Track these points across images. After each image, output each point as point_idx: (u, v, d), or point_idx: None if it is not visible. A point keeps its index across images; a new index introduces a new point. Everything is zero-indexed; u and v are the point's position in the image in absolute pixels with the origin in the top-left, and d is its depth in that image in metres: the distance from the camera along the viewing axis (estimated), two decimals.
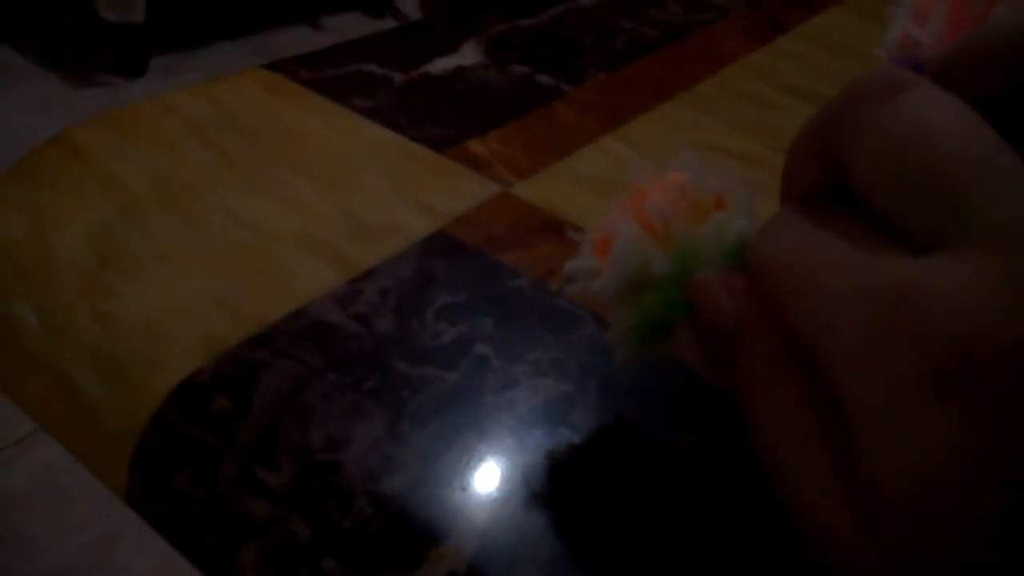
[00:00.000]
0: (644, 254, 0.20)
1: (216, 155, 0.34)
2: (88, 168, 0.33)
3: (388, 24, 2.56)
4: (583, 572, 0.20)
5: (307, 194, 0.33)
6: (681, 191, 0.20)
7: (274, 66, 0.41)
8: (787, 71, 0.46)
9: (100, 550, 1.06)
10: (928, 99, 0.15)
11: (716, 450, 0.24)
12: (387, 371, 0.25)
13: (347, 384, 0.25)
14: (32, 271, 0.29)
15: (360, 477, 0.22)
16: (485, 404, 0.25)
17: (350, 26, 2.50)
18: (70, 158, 0.34)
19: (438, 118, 0.38)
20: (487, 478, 0.22)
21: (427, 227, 0.32)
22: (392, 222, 0.32)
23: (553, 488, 0.22)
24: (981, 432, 0.13)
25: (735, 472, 0.23)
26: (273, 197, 0.32)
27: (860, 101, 0.16)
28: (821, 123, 0.17)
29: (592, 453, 0.23)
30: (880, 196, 0.15)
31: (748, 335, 0.17)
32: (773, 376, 0.17)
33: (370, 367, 0.25)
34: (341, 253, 0.30)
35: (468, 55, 0.44)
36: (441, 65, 0.43)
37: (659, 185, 0.21)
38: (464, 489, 0.22)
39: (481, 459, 0.23)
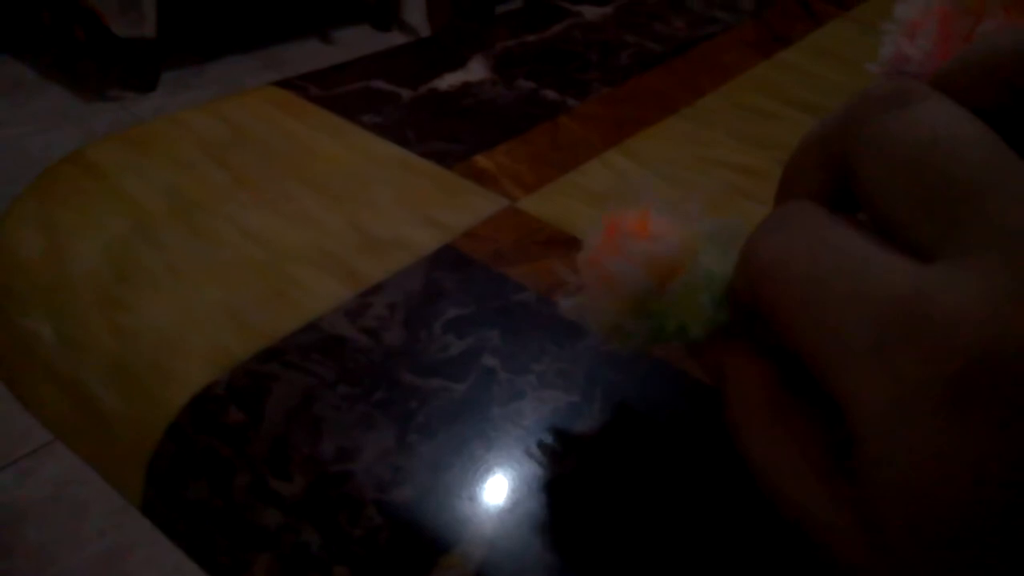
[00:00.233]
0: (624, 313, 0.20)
1: (228, 172, 0.35)
2: (103, 185, 0.34)
3: (396, 37, 2.58)
4: None
5: (317, 209, 0.33)
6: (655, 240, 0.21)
7: (285, 83, 0.42)
8: (790, 84, 0.46)
9: (111, 562, 1.07)
10: (942, 109, 0.15)
11: (721, 461, 0.24)
12: (396, 383, 0.26)
13: (357, 396, 0.25)
14: (49, 285, 0.30)
15: (370, 487, 0.23)
16: (492, 415, 0.25)
17: (359, 39, 2.52)
18: (85, 175, 0.35)
19: (445, 133, 0.39)
20: (494, 487, 0.23)
21: (435, 241, 0.32)
22: (400, 237, 0.32)
23: (561, 496, 0.23)
24: (996, 442, 0.13)
25: (740, 483, 0.23)
26: (284, 213, 0.33)
27: (875, 109, 0.16)
28: (830, 131, 0.17)
29: (599, 462, 0.24)
30: (892, 202, 0.15)
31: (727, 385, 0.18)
32: (754, 401, 0.18)
33: (379, 379, 0.26)
34: (350, 267, 0.31)
35: (475, 71, 0.45)
36: (448, 81, 0.44)
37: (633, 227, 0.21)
38: (472, 498, 0.23)
39: (488, 469, 0.23)
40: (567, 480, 0.23)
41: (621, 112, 0.42)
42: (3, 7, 2.24)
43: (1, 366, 0.30)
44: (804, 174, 0.18)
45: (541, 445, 0.24)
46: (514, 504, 0.22)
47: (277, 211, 0.33)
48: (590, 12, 0.53)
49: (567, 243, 0.33)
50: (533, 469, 0.23)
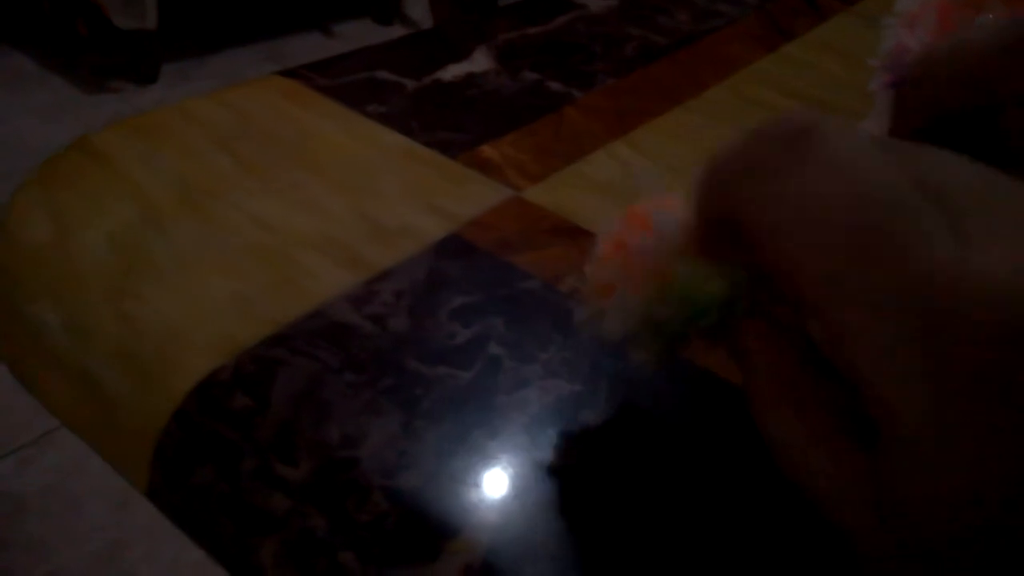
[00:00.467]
0: (645, 305, 0.20)
1: (234, 160, 0.35)
2: (110, 172, 0.34)
3: (397, 31, 2.58)
4: (595, 564, 0.21)
5: (323, 198, 0.33)
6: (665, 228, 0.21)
7: (290, 73, 0.42)
8: (794, 78, 0.46)
9: (110, 555, 1.07)
10: (840, 150, 0.15)
11: (725, 448, 0.24)
12: (402, 370, 0.26)
13: (363, 382, 0.25)
14: (56, 273, 0.30)
15: (376, 472, 0.23)
16: (498, 403, 0.25)
17: (360, 33, 2.51)
18: (92, 163, 0.35)
19: (450, 123, 0.39)
20: (500, 474, 0.23)
21: (440, 230, 0.32)
22: (406, 225, 0.32)
23: (565, 484, 0.23)
24: None
25: (744, 470, 0.24)
26: (289, 200, 0.33)
27: (772, 160, 0.16)
28: (726, 183, 0.17)
29: (603, 450, 0.24)
30: (812, 263, 0.15)
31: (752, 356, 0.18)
32: (779, 386, 0.18)
33: (385, 366, 0.26)
34: (356, 255, 0.31)
35: (479, 62, 0.45)
36: (453, 72, 0.44)
37: (643, 221, 0.21)
38: (478, 485, 0.23)
39: (494, 456, 0.23)
40: (572, 468, 0.23)
41: (626, 104, 0.42)
42: None
43: (8, 353, 0.30)
44: (704, 208, 0.19)
45: (546, 433, 0.24)
46: (520, 491, 0.23)
47: (283, 199, 0.33)
48: (595, 5, 0.53)
49: (572, 232, 0.33)
50: (538, 457, 0.24)
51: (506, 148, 0.38)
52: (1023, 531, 0.13)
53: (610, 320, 0.21)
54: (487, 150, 0.37)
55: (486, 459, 0.23)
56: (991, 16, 0.24)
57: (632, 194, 0.36)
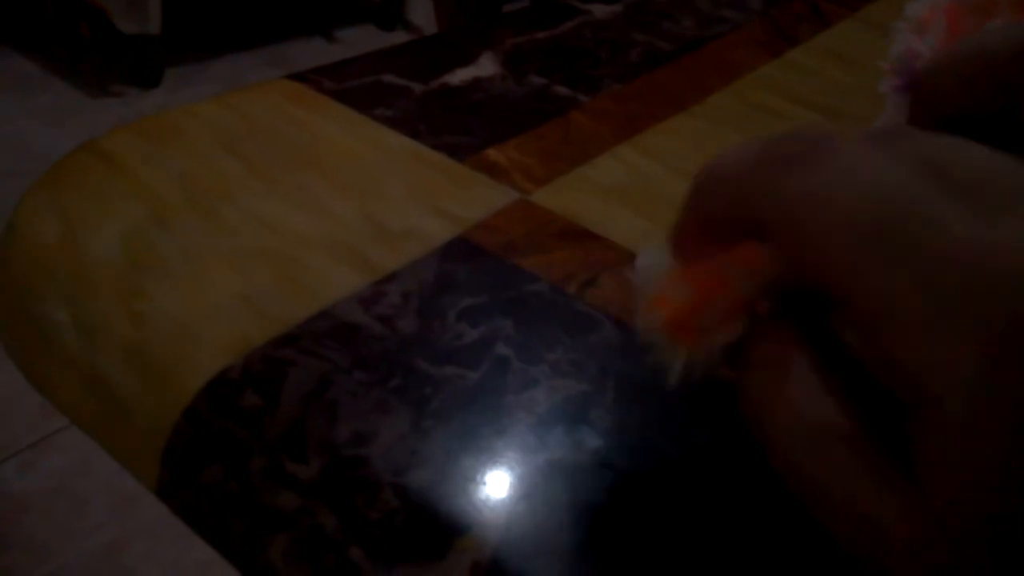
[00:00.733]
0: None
1: (242, 162, 0.35)
2: (118, 174, 0.34)
3: (400, 37, 2.58)
4: (603, 564, 0.21)
5: (331, 200, 0.34)
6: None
7: (297, 76, 0.42)
8: (800, 84, 0.47)
9: (111, 555, 1.07)
10: (858, 157, 0.16)
11: (733, 450, 0.24)
12: (410, 370, 0.26)
13: (372, 381, 0.25)
14: (65, 273, 0.30)
15: (386, 470, 0.23)
16: (506, 403, 0.25)
17: (363, 39, 2.52)
18: (101, 164, 0.35)
19: (457, 127, 0.39)
20: (508, 473, 0.23)
21: (447, 232, 0.32)
22: (413, 227, 0.33)
23: (573, 483, 0.23)
24: None
25: (752, 472, 0.24)
26: (297, 203, 0.33)
27: (792, 166, 0.16)
28: (741, 186, 0.17)
29: (611, 450, 0.24)
30: (836, 263, 0.15)
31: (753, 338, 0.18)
32: (781, 376, 0.17)
33: (394, 366, 0.26)
34: (364, 257, 0.31)
35: (485, 66, 0.45)
36: (459, 76, 0.44)
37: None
38: (486, 483, 0.23)
39: (502, 455, 0.24)
40: (580, 467, 0.23)
41: (632, 108, 0.42)
42: (9, 2, 2.25)
43: (18, 352, 0.30)
44: (713, 206, 0.19)
45: (554, 432, 0.24)
46: (528, 490, 0.23)
47: (290, 201, 0.33)
48: (600, 10, 0.53)
49: (580, 235, 0.33)
50: (547, 456, 0.24)
51: (512, 152, 0.38)
52: None
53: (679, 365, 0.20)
54: (493, 154, 0.38)
55: (494, 458, 0.23)
56: (1000, 21, 0.24)
57: (640, 198, 0.36)
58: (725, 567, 0.21)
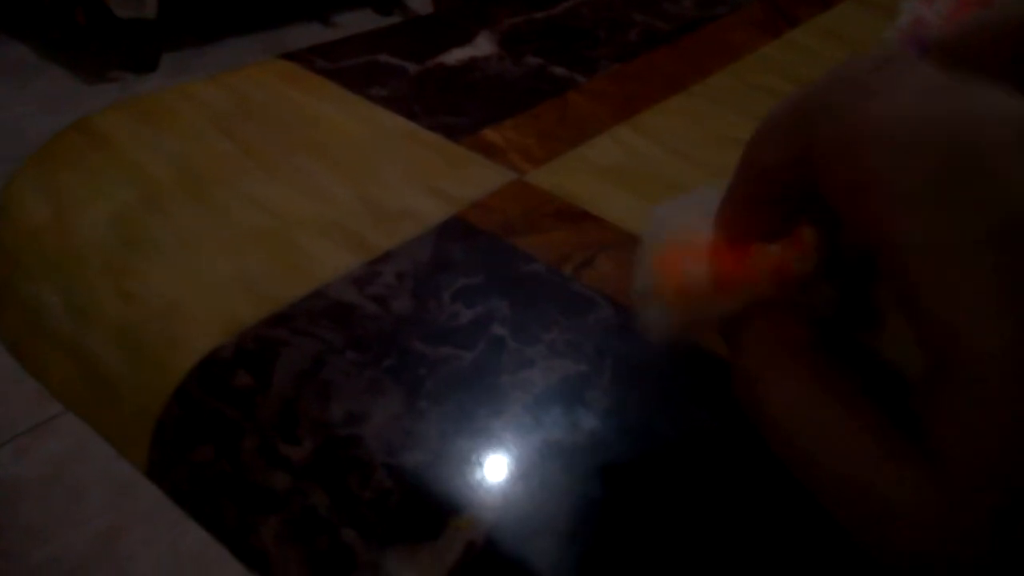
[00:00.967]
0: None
1: (235, 142, 0.35)
2: (110, 154, 0.34)
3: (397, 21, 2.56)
4: (600, 544, 0.21)
5: (325, 180, 0.33)
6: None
7: (291, 56, 0.42)
8: (799, 64, 0.46)
9: (107, 540, 1.07)
10: (935, 80, 0.15)
11: (729, 429, 0.24)
12: (405, 350, 0.26)
13: (366, 362, 0.25)
14: (56, 253, 0.30)
15: (379, 451, 0.22)
16: (501, 383, 0.25)
17: (360, 23, 2.51)
18: (92, 144, 0.34)
19: (453, 107, 0.39)
20: (504, 453, 0.23)
21: (443, 212, 0.32)
22: (409, 208, 0.32)
23: (569, 463, 0.23)
24: None
25: (748, 451, 0.23)
26: (291, 183, 0.33)
27: (852, 92, 0.15)
28: (801, 119, 0.16)
29: (607, 430, 0.24)
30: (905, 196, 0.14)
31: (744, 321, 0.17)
32: (779, 352, 0.17)
33: (388, 346, 0.26)
34: (359, 237, 0.30)
35: (482, 46, 0.44)
36: (455, 56, 0.43)
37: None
38: (482, 464, 0.22)
39: (498, 435, 0.23)
40: (576, 448, 0.23)
41: (630, 89, 0.42)
42: None
43: (8, 333, 0.30)
44: (767, 159, 0.17)
45: (550, 413, 0.24)
46: (524, 470, 0.22)
47: (284, 181, 0.33)
48: None
49: (576, 216, 0.32)
50: (543, 436, 0.23)
51: (509, 132, 0.38)
52: None
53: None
54: (490, 134, 0.37)
55: (490, 438, 0.23)
56: None
57: (637, 178, 0.35)
58: (722, 548, 0.21)
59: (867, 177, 0.14)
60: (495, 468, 0.22)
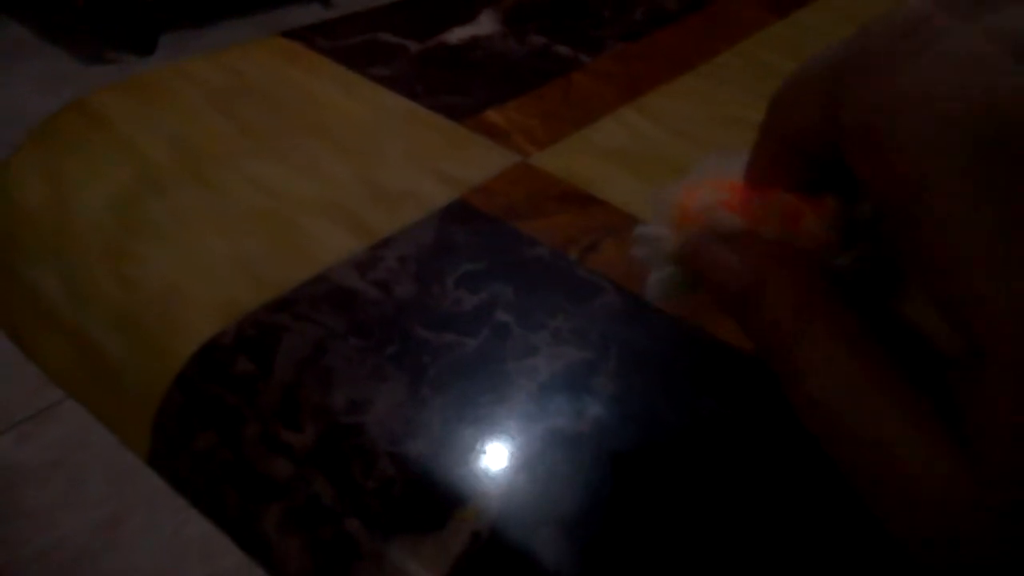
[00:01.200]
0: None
1: (235, 122, 0.34)
2: (108, 134, 0.33)
3: None
4: (605, 533, 0.20)
5: (326, 161, 0.33)
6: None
7: (291, 34, 0.41)
8: (807, 43, 0.45)
9: (109, 527, 1.07)
10: (968, 41, 0.14)
11: (736, 417, 0.24)
12: (408, 336, 0.25)
13: (368, 348, 0.25)
14: (54, 236, 0.29)
15: (383, 439, 0.22)
16: (506, 370, 0.24)
17: (359, 5, 2.48)
18: (90, 124, 0.34)
19: (455, 87, 0.38)
20: (509, 442, 0.22)
21: (446, 195, 0.31)
22: (411, 190, 0.32)
23: (574, 452, 0.22)
24: None
25: (754, 438, 0.23)
26: (292, 164, 0.32)
27: (883, 56, 0.14)
28: (829, 79, 0.15)
29: (613, 419, 0.23)
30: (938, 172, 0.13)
31: (767, 285, 0.16)
32: (804, 320, 0.16)
33: (391, 332, 0.25)
34: (360, 220, 0.30)
35: (485, 25, 0.44)
36: (458, 34, 0.43)
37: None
38: (486, 452, 0.22)
39: (502, 423, 0.23)
40: (582, 436, 0.23)
41: (635, 69, 0.41)
42: None
43: (6, 317, 0.30)
44: (793, 121, 0.17)
45: (555, 401, 0.24)
46: (529, 459, 0.22)
47: (285, 162, 0.32)
48: None
49: (582, 199, 0.32)
50: (547, 424, 0.23)
51: (512, 113, 0.37)
52: None
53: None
54: (493, 115, 0.37)
55: (494, 426, 0.23)
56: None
57: (642, 161, 0.35)
58: (728, 536, 0.21)
59: (899, 151, 0.14)
60: (499, 457, 0.22)
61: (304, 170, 0.32)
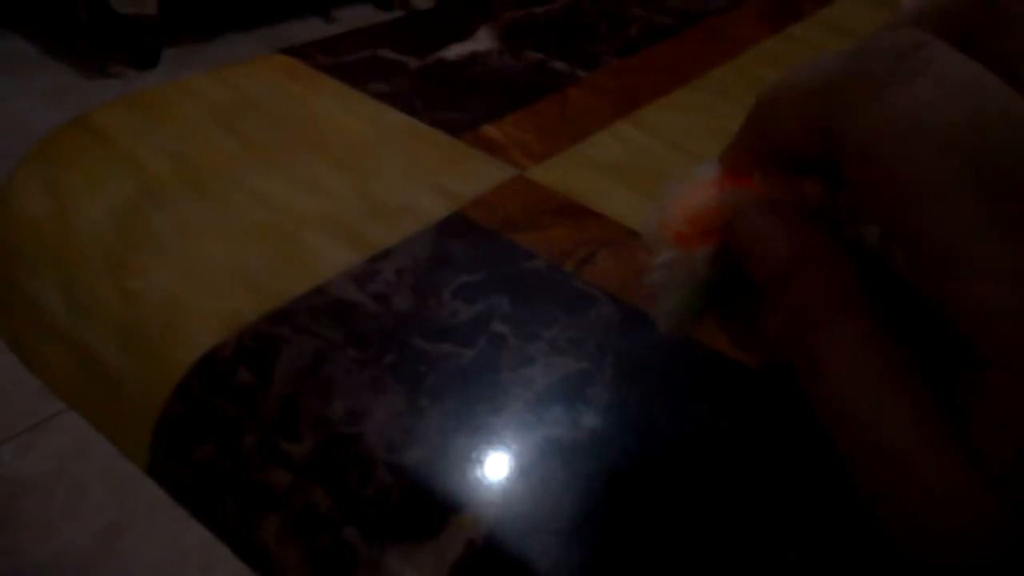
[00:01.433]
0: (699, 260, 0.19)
1: (236, 137, 0.35)
2: (110, 148, 0.34)
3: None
4: (601, 541, 0.21)
5: (325, 176, 0.33)
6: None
7: (291, 51, 0.41)
8: (802, 58, 0.46)
9: (110, 537, 1.07)
10: (961, 68, 0.14)
11: (732, 427, 0.24)
12: (405, 347, 0.26)
13: (366, 359, 0.25)
14: (56, 249, 0.30)
15: (380, 448, 0.22)
16: (502, 380, 0.25)
17: (361, 19, 2.50)
18: (92, 138, 0.34)
19: (453, 103, 0.39)
20: (505, 451, 0.23)
21: (444, 209, 0.32)
22: (409, 204, 0.32)
23: (570, 461, 0.23)
24: None
25: (750, 448, 0.23)
26: (292, 178, 0.33)
27: (880, 77, 0.15)
28: (821, 96, 0.16)
29: (609, 428, 0.24)
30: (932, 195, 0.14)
31: (805, 262, 0.17)
32: (835, 304, 0.16)
33: (389, 343, 0.26)
34: (359, 233, 0.30)
35: (483, 41, 0.44)
36: (456, 51, 0.43)
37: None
38: (482, 461, 0.22)
39: (499, 433, 0.23)
40: (578, 446, 0.23)
41: (631, 83, 0.42)
42: None
43: (7, 328, 0.30)
44: (780, 129, 0.17)
45: (551, 410, 0.24)
46: (525, 468, 0.22)
47: (285, 176, 0.33)
48: None
49: (577, 212, 0.32)
50: (544, 434, 0.23)
51: (509, 128, 0.37)
52: None
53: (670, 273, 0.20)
54: (490, 130, 0.37)
55: (490, 436, 0.23)
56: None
57: (638, 174, 0.35)
58: (725, 544, 0.21)
59: (900, 170, 0.14)
60: (496, 466, 0.22)
61: (304, 184, 0.32)
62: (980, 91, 0.14)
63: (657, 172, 0.35)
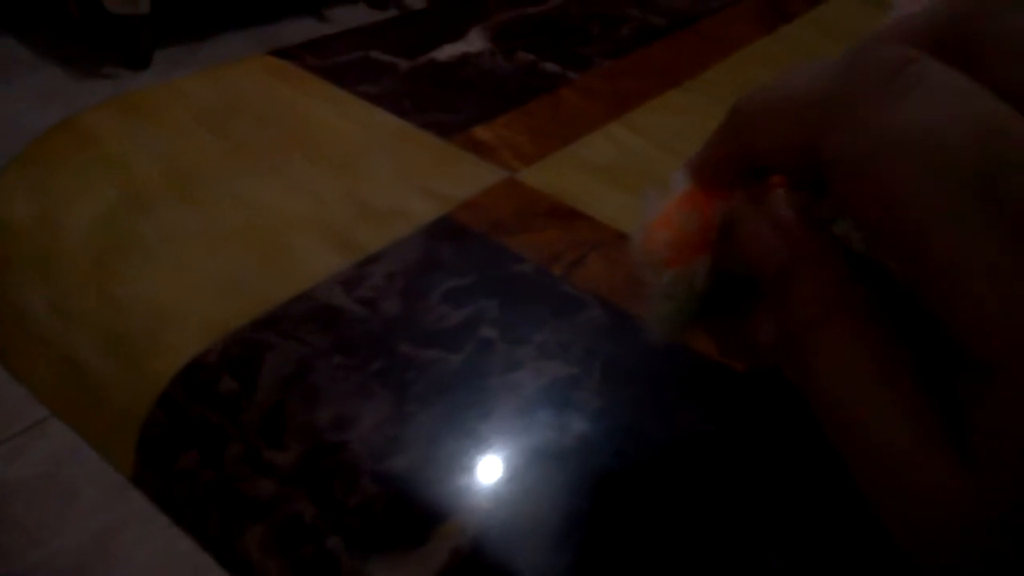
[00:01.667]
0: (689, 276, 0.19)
1: (224, 140, 0.34)
2: (96, 152, 0.33)
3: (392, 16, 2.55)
4: (587, 548, 0.20)
5: (314, 179, 0.33)
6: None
7: (281, 52, 0.41)
8: (794, 59, 0.46)
9: (102, 541, 1.07)
10: (952, 86, 0.14)
11: (720, 432, 0.24)
12: (393, 353, 0.25)
13: (353, 365, 0.25)
14: (41, 255, 0.29)
15: (366, 456, 0.22)
16: (490, 385, 0.25)
17: (354, 18, 2.50)
18: (79, 142, 0.34)
19: (444, 104, 0.38)
20: (492, 458, 0.22)
21: (433, 212, 0.32)
22: (398, 207, 0.32)
23: (558, 468, 0.22)
24: None
25: (738, 453, 0.23)
26: (280, 181, 0.32)
27: (870, 94, 0.15)
28: (810, 110, 0.16)
29: (597, 434, 0.23)
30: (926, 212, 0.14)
31: (802, 265, 0.17)
32: (831, 306, 0.16)
33: (376, 349, 0.25)
34: (347, 237, 0.30)
35: (474, 42, 0.44)
36: (447, 52, 0.43)
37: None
38: (469, 468, 0.22)
39: (486, 439, 0.23)
40: (566, 451, 0.23)
41: (623, 85, 0.41)
42: None
43: None
44: (758, 141, 0.17)
45: (539, 416, 0.24)
46: (512, 474, 0.22)
47: (273, 180, 0.32)
48: None
49: (568, 215, 0.32)
50: (532, 439, 0.23)
51: (501, 130, 0.37)
52: None
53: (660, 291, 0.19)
54: (481, 131, 0.37)
55: (478, 442, 0.23)
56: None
57: (630, 176, 0.35)
58: (712, 550, 0.21)
59: (898, 186, 0.14)
60: (483, 472, 0.22)
61: (293, 188, 0.32)
62: (973, 103, 0.14)
63: (649, 174, 0.35)
